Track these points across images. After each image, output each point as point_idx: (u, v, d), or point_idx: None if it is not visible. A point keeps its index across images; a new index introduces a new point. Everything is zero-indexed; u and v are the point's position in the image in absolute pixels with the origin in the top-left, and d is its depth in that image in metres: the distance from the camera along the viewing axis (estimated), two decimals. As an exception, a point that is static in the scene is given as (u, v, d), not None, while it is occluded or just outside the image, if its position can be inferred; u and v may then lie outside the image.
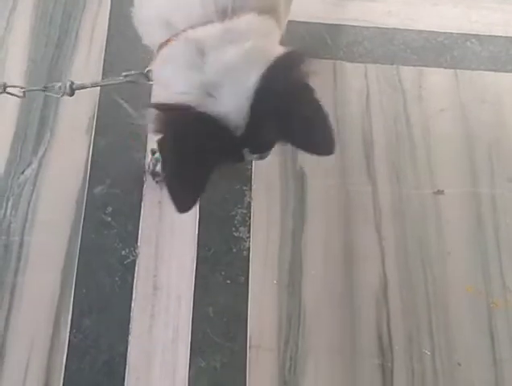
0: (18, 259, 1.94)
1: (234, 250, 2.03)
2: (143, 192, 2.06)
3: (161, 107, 1.30)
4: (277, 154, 2.16)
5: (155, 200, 2.05)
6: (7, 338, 1.85)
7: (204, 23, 1.34)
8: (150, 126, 1.29)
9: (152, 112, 1.29)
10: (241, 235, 2.05)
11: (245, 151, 1.35)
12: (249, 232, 2.05)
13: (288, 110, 1.28)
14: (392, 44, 2.39)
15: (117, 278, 1.95)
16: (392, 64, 2.35)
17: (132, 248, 1.99)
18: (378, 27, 2.41)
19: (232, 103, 1.28)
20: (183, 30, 1.35)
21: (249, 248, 2.03)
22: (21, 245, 1.96)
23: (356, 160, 2.18)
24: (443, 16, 2.46)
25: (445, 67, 2.36)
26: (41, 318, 1.88)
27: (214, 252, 2.02)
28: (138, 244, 1.99)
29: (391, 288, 2.02)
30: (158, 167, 1.98)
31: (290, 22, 2.37)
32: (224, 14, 1.34)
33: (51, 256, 1.96)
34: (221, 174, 2.01)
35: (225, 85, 1.29)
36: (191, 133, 1.27)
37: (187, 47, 1.33)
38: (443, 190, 2.15)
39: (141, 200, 2.05)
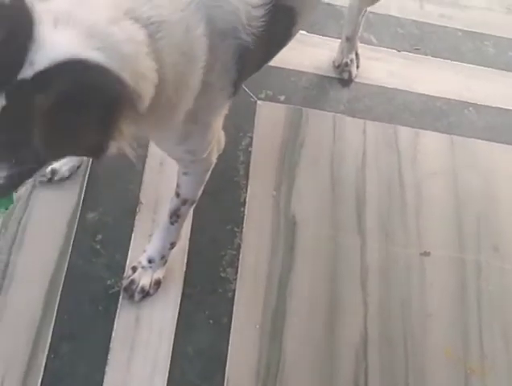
0: (3, 277, 1.92)
1: (220, 290, 2.03)
2: (134, 223, 2.07)
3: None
4: (271, 199, 2.19)
5: (146, 233, 2.04)
6: (-16, 356, 1.83)
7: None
8: None
9: None
10: (228, 276, 2.05)
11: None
12: (236, 273, 2.06)
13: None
14: (391, 104, 2.45)
15: (100, 307, 1.94)
16: (390, 123, 2.40)
17: (118, 279, 1.98)
18: (380, 86, 2.47)
19: (57, 44, 1.13)
20: None
21: (234, 290, 2.03)
22: (7, 264, 1.94)
23: (348, 213, 2.21)
24: (443, 82, 2.53)
25: (441, 132, 2.41)
26: (21, 338, 1.86)
27: (200, 290, 2.02)
28: (125, 274, 1.98)
29: (371, 344, 2.02)
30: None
31: (294, 70, 2.44)
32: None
33: (37, 277, 1.94)
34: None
35: (74, 32, 1.16)
36: None
37: None
38: (429, 252, 2.18)
39: (131, 231, 2.05)
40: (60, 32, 1.14)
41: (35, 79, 1.11)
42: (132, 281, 1.96)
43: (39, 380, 1.82)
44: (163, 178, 2.12)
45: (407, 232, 2.21)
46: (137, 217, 2.08)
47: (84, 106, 1.12)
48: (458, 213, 2.27)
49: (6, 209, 1.90)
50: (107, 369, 1.86)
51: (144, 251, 1.98)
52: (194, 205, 1.88)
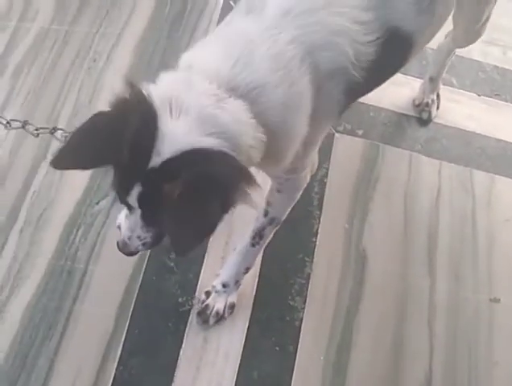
0: (79, 287, 1.97)
1: (287, 318, 2.04)
2: (208, 245, 2.09)
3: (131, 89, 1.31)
4: (343, 231, 2.20)
5: (218, 255, 2.08)
6: (55, 362, 1.87)
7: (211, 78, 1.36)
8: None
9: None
10: (296, 304, 2.06)
11: (136, 186, 1.31)
12: (304, 303, 2.07)
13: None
14: (469, 147, 2.44)
15: (170, 324, 1.97)
16: (466, 166, 2.39)
17: (189, 297, 2.01)
18: (458, 128, 2.47)
19: (177, 134, 1.27)
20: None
21: (301, 319, 2.04)
22: (84, 274, 1.99)
23: (419, 252, 2.21)
24: (523, 129, 2.52)
25: (517, 180, 2.40)
26: (91, 349, 1.90)
27: (268, 316, 2.03)
28: (196, 294, 2.01)
29: (435, 386, 2.02)
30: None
31: (374, 106, 2.45)
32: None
33: (111, 290, 1.99)
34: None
35: (188, 119, 1.29)
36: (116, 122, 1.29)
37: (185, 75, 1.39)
38: (499, 299, 2.16)
39: (205, 252, 2.08)
40: (177, 121, 1.29)
41: (163, 168, 1.27)
42: (207, 307, 1.98)
43: (107, 391, 1.87)
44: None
45: (478, 277, 2.19)
46: (211, 239, 2.10)
47: (209, 192, 1.26)
48: (530, 263, 2.25)
49: None
50: (173, 386, 1.90)
51: (217, 275, 2.01)
52: (277, 227, 1.90)
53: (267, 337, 2.00)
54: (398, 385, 1.99)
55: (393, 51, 1.52)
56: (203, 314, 1.97)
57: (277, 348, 1.99)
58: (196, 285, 2.03)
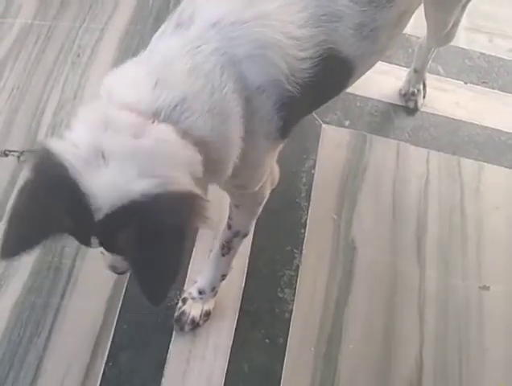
0: (67, 282, 1.96)
1: (277, 310, 2.03)
2: (196, 239, 2.08)
3: (42, 153, 1.24)
4: (331, 222, 2.19)
5: (206, 249, 2.06)
6: (44, 359, 1.86)
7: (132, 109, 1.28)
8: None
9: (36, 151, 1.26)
10: (285, 296, 2.05)
11: (93, 239, 1.27)
12: (293, 295, 2.06)
13: (147, 238, 1.22)
14: (456, 135, 2.44)
15: (159, 319, 1.96)
16: (454, 155, 2.39)
17: (178, 292, 1.99)
18: (445, 116, 2.47)
19: (108, 186, 1.20)
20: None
21: (291, 311, 2.03)
22: (71, 269, 1.98)
23: (408, 241, 2.21)
24: (509, 116, 2.51)
25: (505, 166, 2.40)
26: (80, 344, 1.89)
27: (257, 308, 2.03)
28: (185, 288, 2.00)
29: (426, 374, 2.01)
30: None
31: (360, 96, 2.45)
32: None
33: (99, 284, 1.97)
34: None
35: (113, 165, 1.21)
36: (47, 188, 1.23)
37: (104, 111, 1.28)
38: (489, 287, 2.16)
39: (193, 246, 2.07)
40: (101, 174, 1.19)
41: (108, 219, 1.20)
42: (183, 313, 1.96)
43: (97, 387, 1.86)
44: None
45: (467, 265, 2.19)
46: (199, 233, 2.09)
47: (163, 234, 1.21)
48: (520, 250, 2.25)
49: None
50: (163, 380, 1.88)
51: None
52: (246, 237, 1.87)
53: (257, 329, 1.99)
54: (389, 374, 1.99)
55: (331, 72, 1.45)
56: (179, 321, 1.95)
57: (267, 340, 1.98)
58: (185, 278, 2.01)
